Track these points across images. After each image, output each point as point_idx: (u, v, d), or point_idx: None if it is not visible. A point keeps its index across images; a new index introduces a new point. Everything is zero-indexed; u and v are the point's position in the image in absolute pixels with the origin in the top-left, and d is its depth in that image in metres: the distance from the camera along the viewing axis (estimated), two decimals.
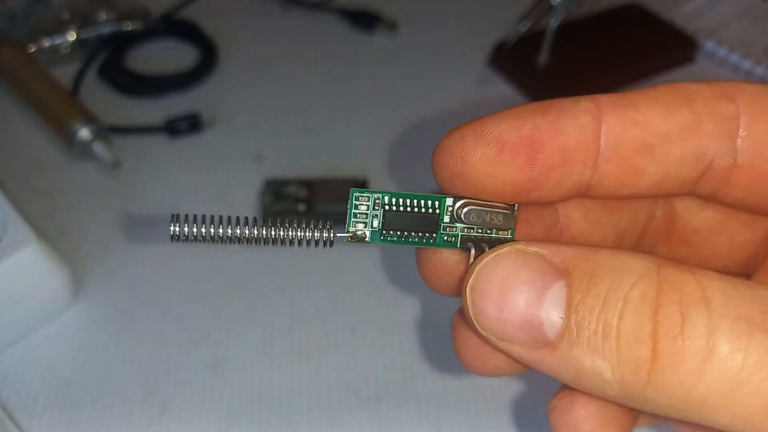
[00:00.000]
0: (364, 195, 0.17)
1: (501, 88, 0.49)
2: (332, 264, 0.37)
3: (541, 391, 0.31)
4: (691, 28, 0.53)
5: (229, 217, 0.17)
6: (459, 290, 0.18)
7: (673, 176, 0.16)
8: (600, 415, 0.17)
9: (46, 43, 0.49)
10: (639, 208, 0.19)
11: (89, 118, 0.41)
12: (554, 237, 0.19)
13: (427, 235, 0.17)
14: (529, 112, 0.16)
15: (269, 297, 0.35)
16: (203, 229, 0.17)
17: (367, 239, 0.17)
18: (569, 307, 0.14)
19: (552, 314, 0.14)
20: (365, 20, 0.54)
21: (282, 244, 0.17)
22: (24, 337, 0.33)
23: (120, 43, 0.51)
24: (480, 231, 0.17)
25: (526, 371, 0.19)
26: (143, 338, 0.33)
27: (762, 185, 0.16)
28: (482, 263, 0.15)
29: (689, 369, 0.13)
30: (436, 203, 0.17)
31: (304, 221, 0.17)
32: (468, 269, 0.16)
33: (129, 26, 0.51)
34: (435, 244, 0.18)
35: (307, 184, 0.40)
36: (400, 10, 0.56)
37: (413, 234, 0.17)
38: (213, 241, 0.17)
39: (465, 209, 0.17)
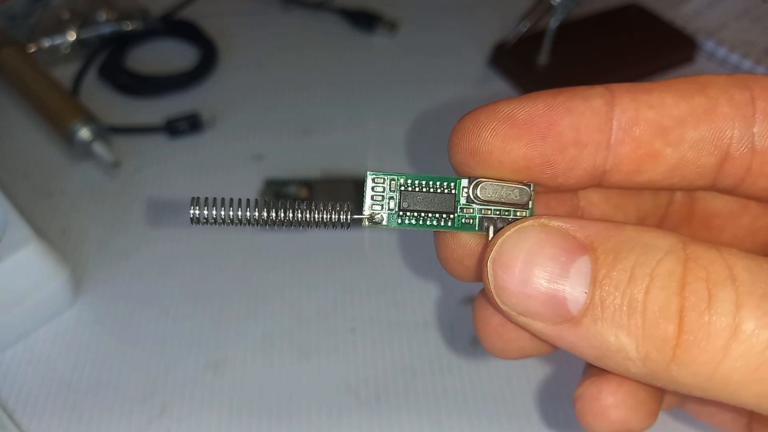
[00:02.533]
0: (380, 176, 0.17)
1: (501, 88, 0.49)
2: (332, 264, 0.37)
3: (542, 392, 0.31)
4: (691, 28, 0.53)
5: (248, 200, 0.17)
6: (479, 275, 0.17)
7: (691, 162, 0.16)
8: (628, 401, 0.17)
9: (46, 43, 0.49)
10: (660, 191, 0.19)
11: (89, 118, 0.41)
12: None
13: (444, 216, 0.17)
14: (542, 94, 0.16)
15: (269, 297, 0.35)
16: (222, 212, 0.17)
17: (384, 222, 0.17)
18: (594, 282, 0.14)
19: (576, 289, 0.14)
20: (365, 20, 0.54)
21: (299, 227, 0.17)
22: (24, 337, 0.33)
23: (120, 43, 0.51)
24: (498, 211, 0.17)
25: (545, 355, 0.19)
26: (143, 338, 0.33)
27: None
28: (504, 236, 0.15)
29: (715, 346, 0.12)
30: (452, 184, 0.17)
31: (321, 204, 0.17)
32: (489, 243, 0.16)
33: (129, 26, 0.51)
34: (453, 227, 0.17)
35: (307, 184, 0.40)
36: (400, 10, 0.56)
37: (430, 215, 0.17)
38: (231, 224, 0.17)
39: (480, 185, 0.17)
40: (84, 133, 0.41)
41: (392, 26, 0.54)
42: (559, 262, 0.14)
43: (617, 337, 0.14)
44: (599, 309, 0.14)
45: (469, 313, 0.34)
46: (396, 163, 0.43)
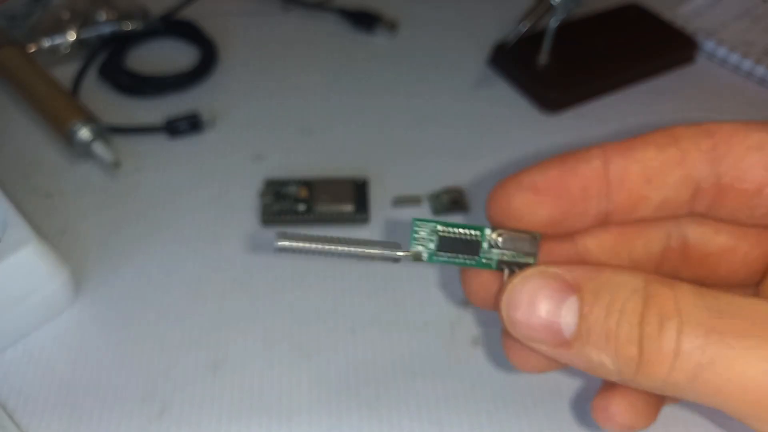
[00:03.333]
0: (424, 223, 0.21)
1: (501, 88, 0.49)
2: (332, 265, 0.37)
3: (541, 392, 0.31)
4: (691, 28, 0.53)
5: (325, 237, 0.21)
6: (494, 304, 0.22)
7: (672, 199, 0.21)
8: (631, 409, 0.21)
9: (46, 43, 0.49)
10: (653, 239, 0.23)
11: (89, 118, 0.41)
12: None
13: (469, 257, 0.21)
14: (553, 163, 0.21)
15: (269, 298, 0.35)
16: (302, 244, 0.21)
17: (424, 258, 0.21)
18: (581, 317, 0.18)
19: (568, 321, 0.19)
20: (365, 20, 0.54)
21: (357, 258, 0.21)
22: (24, 337, 0.33)
23: (120, 43, 0.51)
24: (512, 255, 0.21)
25: (553, 370, 0.24)
26: (143, 338, 0.33)
27: (743, 200, 0.20)
28: (513, 283, 0.20)
29: (664, 363, 0.17)
30: (478, 232, 0.21)
31: (376, 242, 0.21)
32: (502, 288, 0.20)
33: (129, 26, 0.51)
34: (476, 265, 0.22)
35: (307, 184, 0.40)
36: (400, 10, 0.56)
37: (459, 256, 0.21)
38: (307, 254, 0.21)
39: (500, 237, 0.21)
40: (84, 133, 0.41)
41: (392, 26, 0.54)
42: (555, 300, 0.19)
43: (599, 357, 0.18)
44: (585, 336, 0.18)
45: (468, 314, 0.34)
46: (396, 163, 0.43)
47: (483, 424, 0.30)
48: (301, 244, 0.21)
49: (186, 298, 0.35)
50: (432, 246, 0.21)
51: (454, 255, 0.21)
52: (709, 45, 0.52)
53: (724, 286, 0.23)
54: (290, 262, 0.37)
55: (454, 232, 0.21)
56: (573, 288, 0.19)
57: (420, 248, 0.21)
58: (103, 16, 0.51)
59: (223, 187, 0.41)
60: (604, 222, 0.22)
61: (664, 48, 0.51)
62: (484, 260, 0.21)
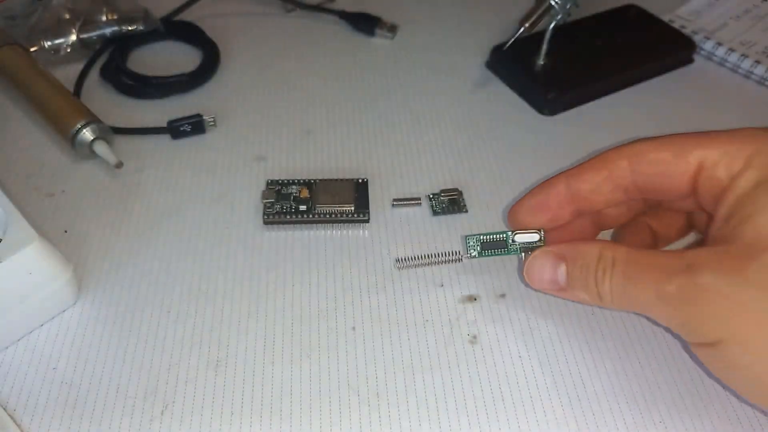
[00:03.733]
0: (472, 236, 0.35)
1: (499, 89, 0.49)
2: (333, 263, 0.37)
3: (540, 389, 0.31)
4: (690, 29, 0.53)
5: (421, 256, 0.36)
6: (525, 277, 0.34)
7: (612, 198, 0.32)
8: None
9: (47, 43, 0.49)
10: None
11: (91, 119, 0.42)
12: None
13: (502, 249, 0.35)
14: (537, 190, 0.34)
15: (270, 296, 0.35)
16: (414, 261, 0.36)
17: (476, 256, 0.35)
18: (568, 274, 0.31)
19: (562, 277, 0.31)
20: (366, 22, 0.54)
21: (431, 265, 0.37)
22: (25, 336, 0.33)
23: (122, 44, 0.51)
24: (527, 245, 0.34)
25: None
26: (145, 337, 0.33)
27: (657, 194, 0.32)
28: (528, 260, 0.33)
29: (606, 295, 0.29)
30: (505, 235, 0.34)
31: (448, 250, 0.36)
32: (524, 263, 0.33)
33: (130, 27, 0.51)
34: (507, 253, 0.35)
35: (308, 184, 0.40)
36: (400, 12, 0.56)
37: (496, 249, 0.35)
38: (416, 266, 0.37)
39: (518, 236, 0.34)
40: (86, 133, 0.41)
41: (392, 28, 0.54)
42: (552, 266, 0.32)
43: (581, 294, 0.31)
44: (572, 284, 0.31)
45: (468, 312, 0.35)
46: (396, 163, 0.43)
47: (482, 421, 0.30)
48: (413, 263, 0.36)
49: (187, 297, 0.35)
50: (480, 248, 0.35)
51: (492, 251, 0.35)
52: (708, 45, 0.52)
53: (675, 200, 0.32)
54: (291, 261, 0.37)
55: (491, 238, 0.34)
56: (562, 258, 0.31)
57: (472, 252, 0.35)
58: (104, 16, 0.51)
59: (224, 187, 0.41)
60: (578, 215, 0.34)
61: (663, 48, 0.51)
62: (512, 250, 0.34)
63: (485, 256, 0.35)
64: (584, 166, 0.32)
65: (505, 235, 0.34)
